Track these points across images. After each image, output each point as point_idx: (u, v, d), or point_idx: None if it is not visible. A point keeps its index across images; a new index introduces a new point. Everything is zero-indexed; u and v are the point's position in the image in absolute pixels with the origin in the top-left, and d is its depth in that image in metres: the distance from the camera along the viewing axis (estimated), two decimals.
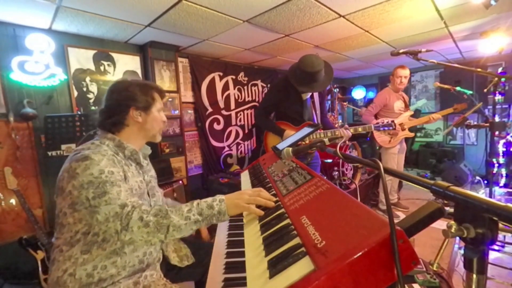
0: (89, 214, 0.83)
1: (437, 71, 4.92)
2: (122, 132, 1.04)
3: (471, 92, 2.48)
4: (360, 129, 2.05)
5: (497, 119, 2.01)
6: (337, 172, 3.31)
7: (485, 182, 3.19)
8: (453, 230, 0.41)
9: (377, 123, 2.08)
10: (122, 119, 1.03)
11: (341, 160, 3.22)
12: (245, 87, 4.19)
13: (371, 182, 3.70)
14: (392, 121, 2.04)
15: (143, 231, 0.81)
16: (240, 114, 4.16)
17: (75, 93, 2.51)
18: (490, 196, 2.15)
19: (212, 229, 1.21)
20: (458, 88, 2.48)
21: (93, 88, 2.63)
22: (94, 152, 0.90)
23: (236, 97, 4.06)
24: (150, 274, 0.97)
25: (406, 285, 1.10)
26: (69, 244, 0.88)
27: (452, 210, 0.44)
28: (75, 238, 0.87)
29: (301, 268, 0.52)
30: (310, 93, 2.16)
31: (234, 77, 3.99)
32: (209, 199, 0.90)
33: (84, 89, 2.57)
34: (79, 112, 2.49)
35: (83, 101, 2.56)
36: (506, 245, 2.16)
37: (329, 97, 4.75)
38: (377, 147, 3.01)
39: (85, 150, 0.91)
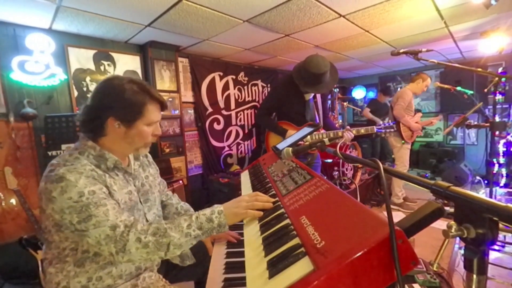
0: (77, 236, 0.79)
1: (437, 71, 4.91)
2: (102, 139, 0.92)
3: (471, 92, 2.49)
4: (362, 130, 2.08)
5: (497, 119, 2.01)
6: (337, 172, 3.32)
7: (485, 182, 3.20)
8: (453, 230, 0.41)
9: (379, 124, 2.13)
10: (100, 127, 0.90)
11: (341, 160, 3.22)
12: (245, 87, 4.19)
13: (371, 182, 3.70)
14: (394, 124, 2.13)
15: (142, 251, 0.77)
16: (240, 114, 4.16)
17: (75, 93, 2.51)
18: (491, 196, 2.15)
19: None
20: (458, 88, 2.48)
21: (94, 88, 2.62)
22: (70, 170, 0.79)
23: (236, 97, 4.06)
24: (149, 276, 0.96)
25: (406, 285, 1.10)
26: (58, 258, 0.85)
27: (452, 210, 0.44)
28: (63, 254, 0.85)
29: (301, 268, 0.52)
30: (313, 94, 2.16)
31: (234, 77, 3.99)
32: (208, 212, 0.86)
33: (84, 89, 2.58)
34: (79, 112, 2.48)
35: (84, 101, 2.54)
36: (506, 245, 2.16)
37: (329, 96, 4.75)
38: (403, 141, 3.14)
39: (60, 167, 0.79)
